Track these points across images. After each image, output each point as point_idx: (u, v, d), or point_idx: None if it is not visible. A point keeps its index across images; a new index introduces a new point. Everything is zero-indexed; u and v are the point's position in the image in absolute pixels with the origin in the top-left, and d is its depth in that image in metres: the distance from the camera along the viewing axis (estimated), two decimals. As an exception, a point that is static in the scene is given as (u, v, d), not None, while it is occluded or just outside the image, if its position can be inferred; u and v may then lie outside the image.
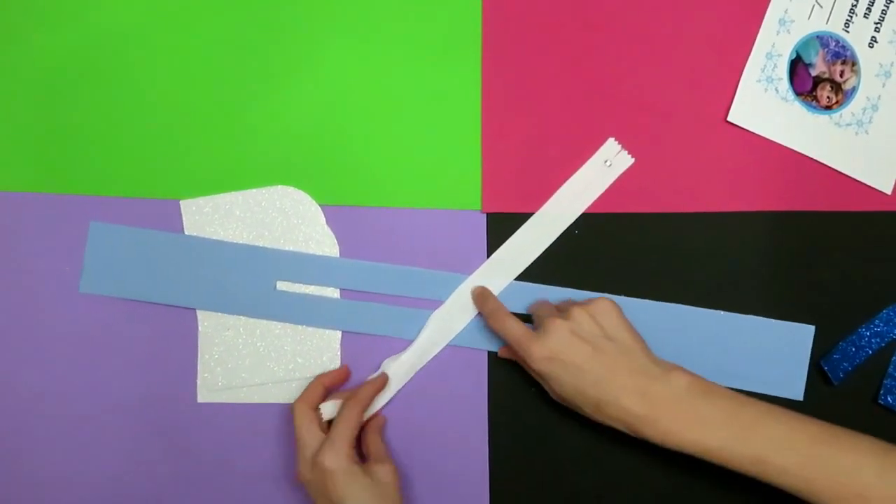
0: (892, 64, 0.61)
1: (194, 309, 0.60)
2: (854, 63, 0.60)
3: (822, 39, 0.60)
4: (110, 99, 0.61)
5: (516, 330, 0.54)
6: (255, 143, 0.61)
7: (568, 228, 0.60)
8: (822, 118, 0.60)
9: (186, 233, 0.60)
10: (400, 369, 0.59)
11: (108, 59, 0.62)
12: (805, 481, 0.48)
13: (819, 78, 0.60)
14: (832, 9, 0.60)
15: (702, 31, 0.61)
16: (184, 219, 0.60)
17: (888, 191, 0.60)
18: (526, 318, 0.58)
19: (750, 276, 0.60)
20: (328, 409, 0.56)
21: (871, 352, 0.59)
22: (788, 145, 0.60)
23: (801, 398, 0.58)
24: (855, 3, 0.60)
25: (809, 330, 0.59)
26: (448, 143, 0.60)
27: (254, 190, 0.61)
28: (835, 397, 0.59)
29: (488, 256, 0.60)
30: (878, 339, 0.59)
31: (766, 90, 0.60)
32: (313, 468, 0.53)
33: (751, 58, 0.60)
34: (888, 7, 0.61)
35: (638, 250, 0.60)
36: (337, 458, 0.52)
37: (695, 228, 0.60)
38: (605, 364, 0.51)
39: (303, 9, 0.61)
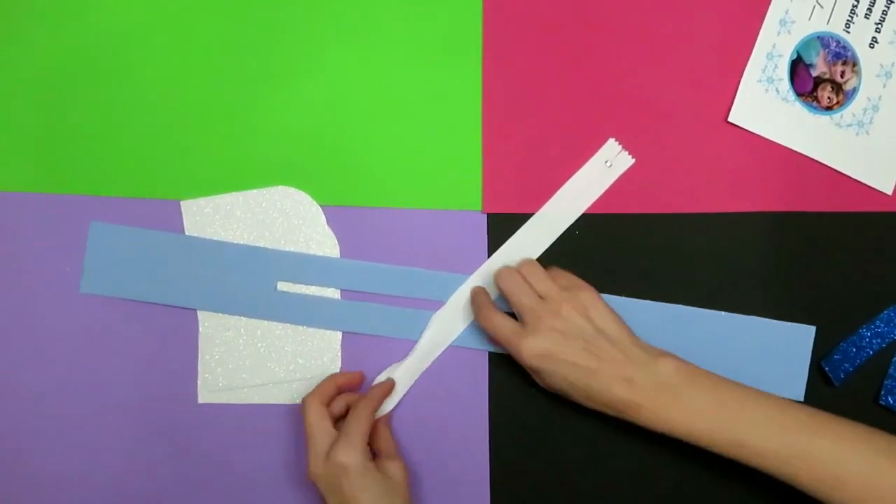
0: (892, 64, 0.61)
1: (195, 309, 0.60)
2: (855, 63, 0.60)
3: (822, 40, 0.60)
4: (110, 99, 0.61)
5: (505, 328, 0.55)
6: (256, 144, 0.61)
7: (568, 229, 0.60)
8: (823, 119, 0.60)
9: (187, 233, 0.60)
10: (405, 374, 0.59)
11: (108, 59, 0.61)
12: (783, 463, 0.49)
13: (820, 78, 0.60)
14: (833, 9, 0.60)
15: (702, 32, 0.61)
16: (184, 219, 0.60)
17: (889, 191, 0.60)
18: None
19: (750, 276, 0.60)
20: (338, 406, 0.56)
21: (871, 352, 0.59)
22: (789, 146, 0.60)
23: (801, 399, 0.58)
24: (856, 3, 0.60)
25: (810, 330, 0.59)
26: (448, 144, 0.60)
27: (254, 190, 0.61)
28: (835, 398, 0.59)
29: (489, 257, 0.60)
30: (878, 340, 0.59)
31: (766, 91, 0.60)
32: (326, 463, 0.52)
33: (751, 58, 0.60)
34: (889, 7, 0.60)
35: (638, 251, 0.60)
36: (353, 453, 0.52)
37: (695, 229, 0.60)
38: (596, 356, 0.52)
39: (303, 9, 0.61)
